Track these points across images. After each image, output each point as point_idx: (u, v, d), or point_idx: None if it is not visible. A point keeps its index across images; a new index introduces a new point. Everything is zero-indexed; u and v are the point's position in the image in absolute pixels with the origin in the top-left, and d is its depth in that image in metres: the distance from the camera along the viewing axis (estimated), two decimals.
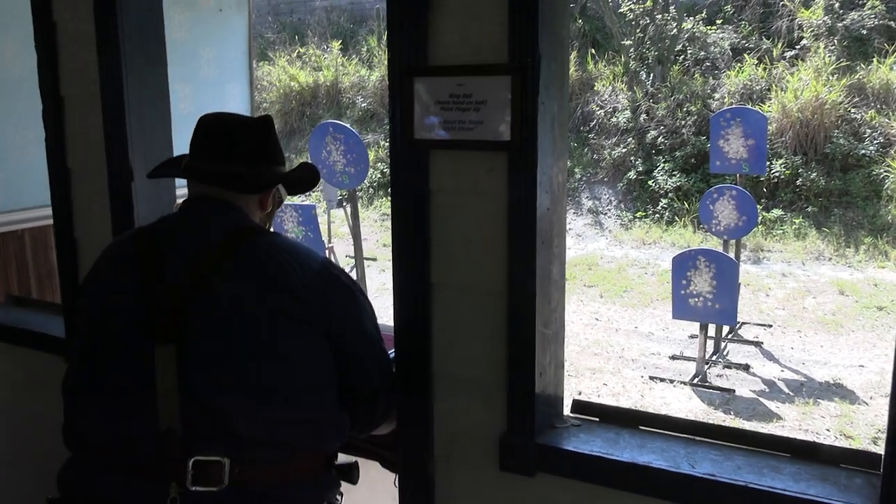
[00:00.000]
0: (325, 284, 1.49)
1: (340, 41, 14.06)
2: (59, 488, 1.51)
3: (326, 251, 6.90)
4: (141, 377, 1.39)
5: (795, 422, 5.04)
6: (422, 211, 1.52)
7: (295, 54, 14.21)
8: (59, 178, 2.15)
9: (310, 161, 7.38)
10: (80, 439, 1.48)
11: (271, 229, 1.71)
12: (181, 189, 1.83)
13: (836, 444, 4.72)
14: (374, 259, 9.08)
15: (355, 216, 6.92)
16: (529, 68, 1.36)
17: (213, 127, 1.62)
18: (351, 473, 1.62)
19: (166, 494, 1.35)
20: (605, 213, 10.43)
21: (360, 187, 8.80)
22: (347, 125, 6.89)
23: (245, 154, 1.60)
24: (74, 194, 2.15)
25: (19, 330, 2.38)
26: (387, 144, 12.10)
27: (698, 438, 1.50)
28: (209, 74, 4.35)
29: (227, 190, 1.57)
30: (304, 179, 1.73)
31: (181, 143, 2.16)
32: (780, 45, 10.87)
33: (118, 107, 1.97)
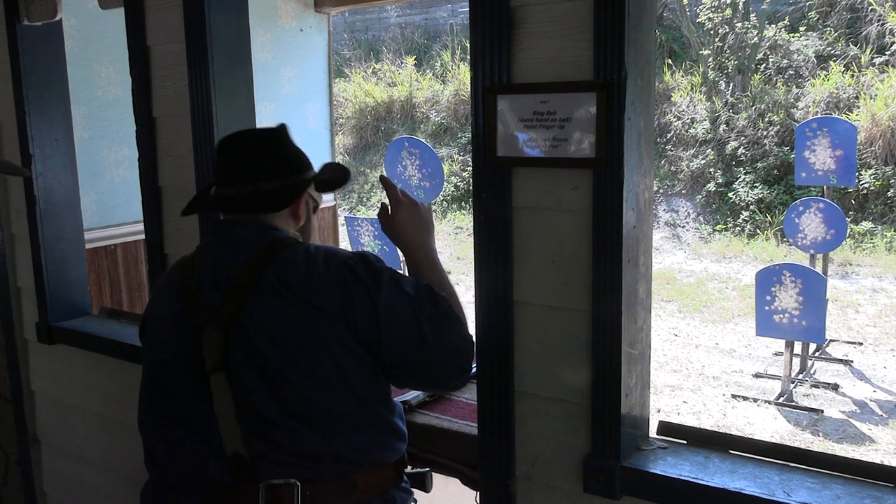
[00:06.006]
0: (343, 288, 1.41)
1: (414, 57, 14.24)
2: None
3: (401, 264, 6.96)
4: (201, 405, 1.41)
5: (890, 445, 4.80)
6: (504, 228, 1.51)
7: (370, 70, 14.46)
8: (151, 196, 2.23)
9: (384, 174, 7.46)
10: (154, 462, 1.52)
11: (314, 239, 1.67)
12: None
13: None
14: (449, 272, 9.10)
15: None
16: (615, 84, 1.34)
17: (231, 148, 1.57)
18: (424, 481, 1.60)
19: None
20: (684, 226, 10.21)
21: (433, 201, 8.85)
22: (422, 140, 6.95)
23: (267, 170, 1.54)
24: (165, 212, 2.22)
25: (112, 341, 2.47)
26: (461, 158, 12.18)
27: (792, 465, 1.44)
28: (290, 93, 4.45)
29: (242, 213, 1.54)
30: (334, 180, 1.67)
31: None
32: (868, 52, 10.47)
33: (207, 127, 2.04)
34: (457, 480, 1.80)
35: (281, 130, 1.59)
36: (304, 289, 1.40)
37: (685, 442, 1.54)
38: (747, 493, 1.33)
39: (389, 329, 1.42)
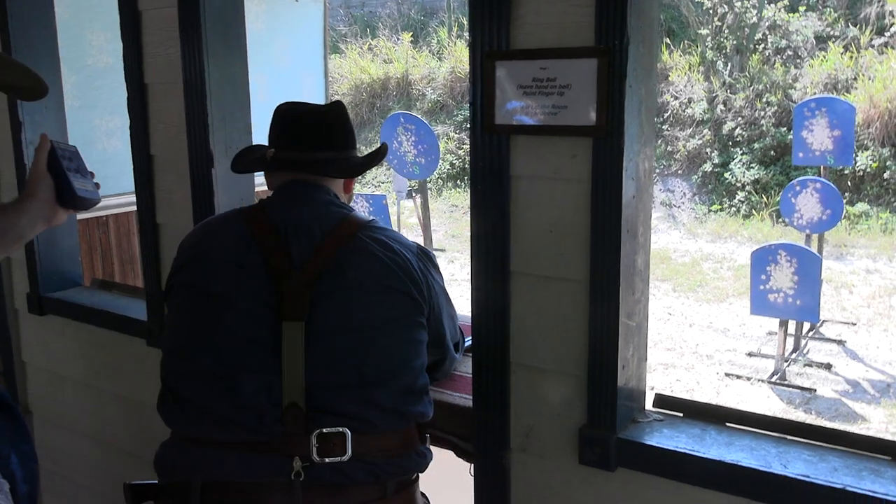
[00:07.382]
0: (424, 266, 1.58)
1: (411, 33, 14.12)
2: (164, 472, 1.48)
3: None
4: (266, 354, 1.41)
5: (882, 424, 4.82)
6: (502, 197, 1.48)
7: (366, 47, 14.34)
8: (143, 165, 2.20)
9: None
10: (194, 417, 1.45)
11: None
12: (260, 177, 1.85)
13: None
14: (443, 250, 9.09)
15: (425, 207, 6.93)
16: (617, 51, 1.31)
17: (293, 116, 1.66)
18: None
19: (290, 469, 1.38)
20: (679, 206, 10.20)
21: (429, 179, 8.81)
22: (419, 116, 6.91)
23: (328, 142, 1.65)
24: (157, 181, 2.19)
25: (104, 312, 2.45)
26: (456, 136, 12.11)
27: (789, 437, 1.43)
28: (284, 64, 4.39)
29: (322, 175, 1.63)
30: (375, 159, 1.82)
31: (259, 132, 2.19)
32: (868, 33, 10.41)
33: (200, 94, 2.00)
34: (450, 453, 1.79)
35: (340, 107, 1.71)
36: (395, 257, 1.52)
37: (681, 415, 1.53)
38: (744, 465, 1.32)
39: (441, 310, 1.63)
